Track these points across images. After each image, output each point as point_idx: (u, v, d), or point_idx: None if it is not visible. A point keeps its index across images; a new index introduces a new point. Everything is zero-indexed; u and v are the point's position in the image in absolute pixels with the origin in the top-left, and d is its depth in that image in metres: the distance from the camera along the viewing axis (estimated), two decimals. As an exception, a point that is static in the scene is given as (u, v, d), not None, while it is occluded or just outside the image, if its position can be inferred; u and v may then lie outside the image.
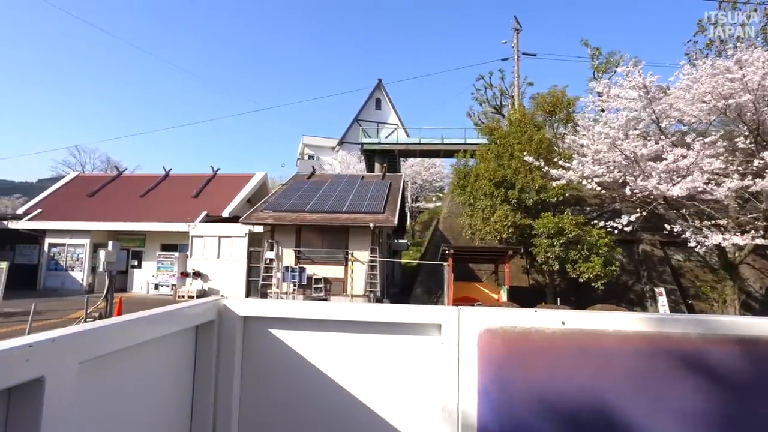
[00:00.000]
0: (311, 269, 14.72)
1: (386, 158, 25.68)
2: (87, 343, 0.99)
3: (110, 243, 10.46)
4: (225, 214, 17.82)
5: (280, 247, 14.99)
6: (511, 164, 12.85)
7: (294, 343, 1.51)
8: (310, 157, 44.23)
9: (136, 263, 18.50)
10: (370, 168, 26.63)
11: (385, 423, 1.43)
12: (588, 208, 15.88)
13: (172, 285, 17.09)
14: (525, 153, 11.93)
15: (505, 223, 11.78)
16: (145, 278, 17.84)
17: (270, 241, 15.03)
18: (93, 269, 17.73)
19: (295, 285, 14.54)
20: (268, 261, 14.97)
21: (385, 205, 15.38)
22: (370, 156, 26.07)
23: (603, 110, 14.73)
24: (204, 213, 17.46)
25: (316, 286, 14.52)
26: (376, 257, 14.44)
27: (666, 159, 9.48)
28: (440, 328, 1.40)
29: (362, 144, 25.63)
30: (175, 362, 1.39)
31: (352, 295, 14.28)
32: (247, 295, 16.22)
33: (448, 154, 25.94)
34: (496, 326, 1.28)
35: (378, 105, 44.78)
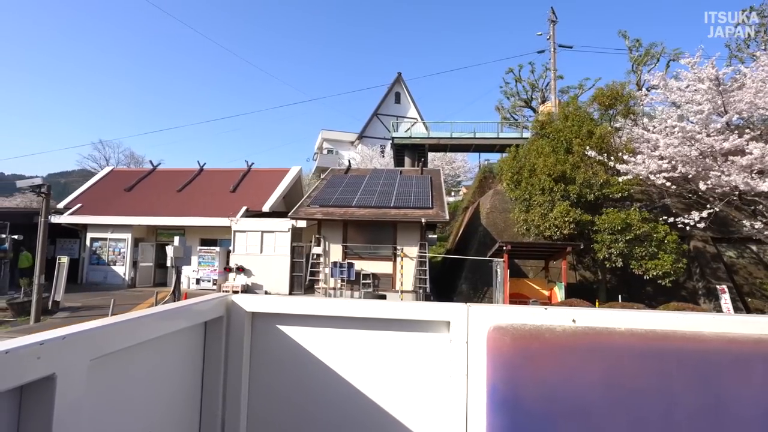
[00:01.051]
0: (358, 265, 14.62)
1: (416, 152, 25.45)
2: (97, 341, 0.99)
3: (176, 238, 10.41)
4: (265, 208, 17.74)
5: (327, 243, 14.89)
6: (568, 159, 12.61)
7: (302, 339, 1.50)
8: (329, 151, 44.10)
9: (175, 258, 18.52)
10: (398, 162, 26.42)
11: (393, 419, 1.42)
12: (638, 204, 15.60)
13: (214, 280, 17.09)
14: (588, 148, 11.69)
15: (566, 219, 11.57)
16: (185, 273, 17.80)
17: (317, 236, 14.94)
18: (134, 263, 17.79)
19: (343, 281, 14.46)
20: (315, 256, 14.88)
21: (432, 199, 15.21)
22: (400, 150, 25.84)
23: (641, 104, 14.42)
24: (244, 208, 17.39)
25: (364, 281, 14.42)
26: (425, 253, 14.30)
27: (751, 153, 9.20)
28: (449, 325, 1.38)
29: (393, 138, 25.40)
30: (184, 358, 1.39)
31: (402, 291, 14.18)
32: (291, 290, 16.20)
33: (480, 148, 25.71)
34: (506, 324, 1.25)
35: (397, 99, 44.47)
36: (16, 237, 15.21)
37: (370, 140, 41.67)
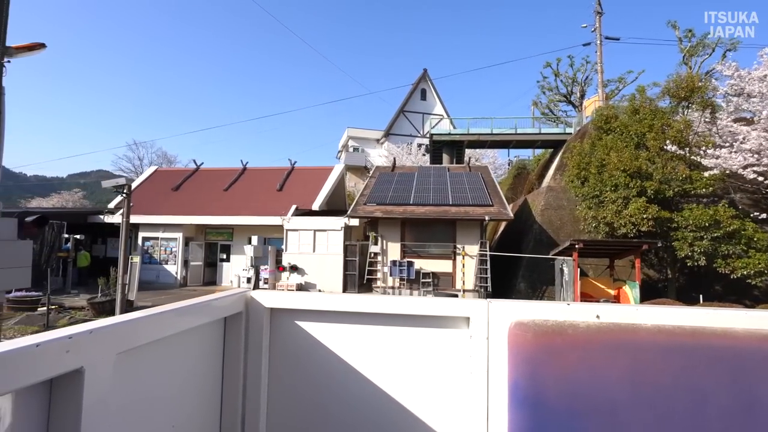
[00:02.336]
0: (417, 263, 14.41)
1: (454, 149, 25.12)
2: (123, 335, 1.02)
3: (254, 238, 10.32)
4: (314, 207, 17.65)
5: (384, 241, 14.71)
6: (640, 154, 12.18)
7: (320, 335, 1.50)
8: (355, 149, 43.95)
9: (224, 257, 18.58)
10: (435, 159, 26.11)
11: (412, 416, 1.41)
12: (705, 200, 15.05)
13: (265, 279, 17.05)
14: (668, 142, 11.26)
15: (644, 216, 11.17)
16: (235, 271, 17.87)
17: (375, 234, 14.77)
18: (185, 263, 17.89)
19: (403, 280, 14.27)
20: (372, 255, 14.72)
21: (490, 197, 14.91)
22: (437, 147, 25.52)
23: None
24: (294, 206, 17.31)
25: (424, 280, 14.22)
26: (486, 251, 14.02)
27: None
28: (469, 321, 1.37)
29: (431, 135, 25.10)
30: (205, 353, 1.41)
31: (464, 290, 13.93)
32: (345, 289, 16.07)
33: (520, 144, 25.25)
34: (528, 320, 1.24)
35: (423, 96, 44.08)
36: (78, 237, 15.36)
37: (396, 137, 41.41)
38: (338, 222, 16.12)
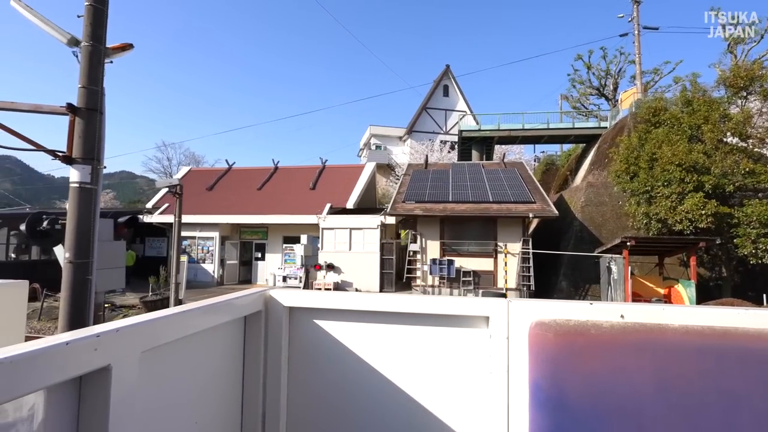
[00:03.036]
0: (457, 262, 14.20)
1: (484, 145, 24.72)
2: (147, 333, 1.04)
3: (303, 237, 10.30)
4: (349, 205, 17.60)
5: (423, 239, 14.55)
6: (694, 147, 11.66)
7: (339, 334, 1.50)
8: (377, 147, 43.83)
9: (259, 255, 18.74)
10: (464, 156, 25.75)
11: (431, 416, 1.40)
12: (761, 194, 14.36)
13: (300, 277, 17.11)
14: (729, 134, 10.74)
15: (702, 212, 10.69)
16: (270, 270, 17.99)
17: (413, 233, 14.62)
18: (222, 261, 18.10)
19: (443, 278, 14.09)
20: (411, 254, 14.58)
21: (531, 193, 14.56)
22: (467, 143, 25.16)
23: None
24: (329, 205, 17.31)
25: (464, 279, 14.00)
26: (529, 249, 13.71)
27: None
28: (488, 320, 1.36)
29: (460, 131, 24.76)
30: (225, 351, 1.42)
31: (506, 289, 13.66)
32: (381, 287, 15.98)
33: (553, 139, 24.68)
34: (549, 319, 1.22)
35: (446, 92, 43.58)
36: (121, 236, 15.66)
37: (419, 134, 41.13)
38: (374, 220, 16.02)
